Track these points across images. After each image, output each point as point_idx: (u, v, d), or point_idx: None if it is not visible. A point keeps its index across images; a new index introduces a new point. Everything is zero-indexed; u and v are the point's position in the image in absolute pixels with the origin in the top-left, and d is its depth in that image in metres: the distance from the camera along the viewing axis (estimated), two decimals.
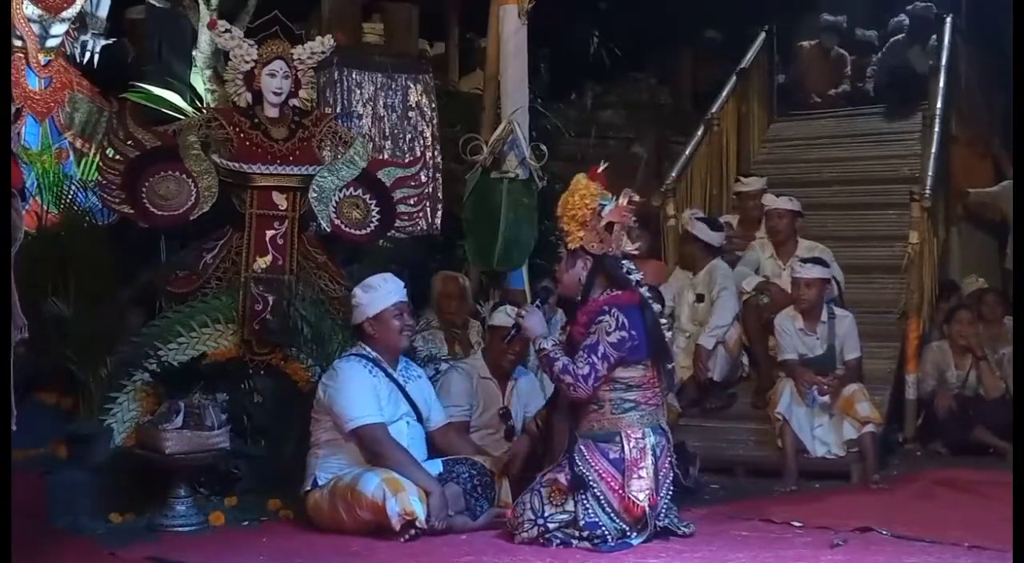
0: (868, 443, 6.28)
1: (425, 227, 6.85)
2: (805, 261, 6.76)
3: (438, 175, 7.03)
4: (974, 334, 7.31)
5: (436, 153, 7.05)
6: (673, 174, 8.42)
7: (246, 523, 5.05)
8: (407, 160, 6.56)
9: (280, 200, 5.76)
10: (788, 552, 4.46)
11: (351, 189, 5.86)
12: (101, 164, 5.75)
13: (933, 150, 8.26)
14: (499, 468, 5.06)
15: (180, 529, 4.89)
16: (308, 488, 4.95)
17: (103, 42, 6.87)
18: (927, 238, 7.69)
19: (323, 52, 5.92)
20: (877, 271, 7.98)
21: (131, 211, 5.59)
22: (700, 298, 7.16)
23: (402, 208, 6.05)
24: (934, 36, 9.61)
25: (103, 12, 6.85)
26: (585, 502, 4.54)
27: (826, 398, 6.38)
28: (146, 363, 5.31)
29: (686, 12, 10.71)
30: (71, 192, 6.07)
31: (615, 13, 10.24)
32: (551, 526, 4.54)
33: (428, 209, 6.81)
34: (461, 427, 5.53)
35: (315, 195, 5.73)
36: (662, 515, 4.66)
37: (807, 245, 7.26)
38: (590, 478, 4.55)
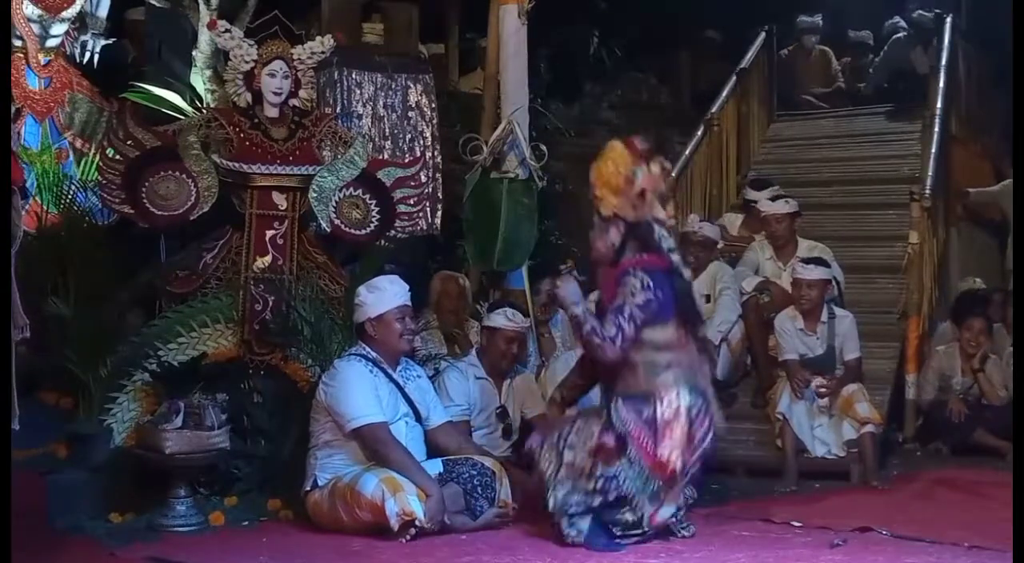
0: (868, 443, 6.28)
1: (425, 227, 6.85)
2: (807, 262, 6.74)
3: (438, 175, 7.04)
4: (983, 343, 7.29)
5: (436, 153, 7.05)
6: (673, 174, 8.40)
7: (246, 523, 5.05)
8: (407, 160, 6.56)
9: (280, 200, 5.76)
10: (788, 552, 4.46)
11: (351, 189, 5.86)
12: (101, 164, 5.75)
13: (933, 150, 8.26)
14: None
15: (180, 529, 4.88)
16: (308, 488, 4.95)
17: (103, 42, 6.86)
18: (927, 238, 7.69)
19: (323, 52, 5.92)
20: (877, 271, 7.98)
21: (131, 211, 5.59)
22: (707, 298, 7.15)
23: (402, 208, 6.05)
24: (934, 37, 9.62)
25: (103, 12, 6.84)
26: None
27: (824, 401, 6.38)
28: (146, 363, 5.31)
29: (686, 12, 10.72)
30: (71, 192, 6.06)
31: (615, 13, 10.25)
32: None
33: (428, 209, 6.81)
34: (462, 427, 5.54)
35: (315, 195, 5.73)
36: (689, 475, 4.68)
37: (807, 245, 7.25)
38: (620, 426, 4.58)
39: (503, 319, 5.82)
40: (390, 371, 5.04)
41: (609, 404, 4.69)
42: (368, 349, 5.05)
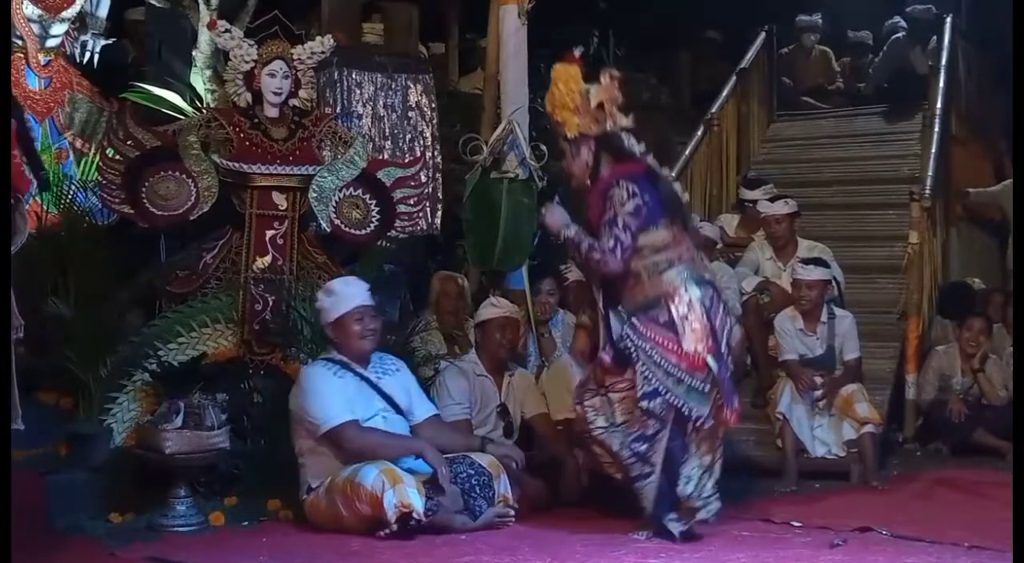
0: (867, 443, 6.28)
1: (425, 227, 6.85)
2: (807, 262, 6.74)
3: (438, 175, 7.03)
4: (983, 343, 7.29)
5: (436, 153, 7.04)
6: (673, 174, 8.39)
7: (246, 523, 5.04)
8: (407, 160, 6.55)
9: (280, 200, 5.76)
10: (788, 552, 4.46)
11: (351, 189, 5.86)
12: (101, 164, 5.75)
13: (933, 150, 8.27)
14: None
15: (180, 529, 4.88)
16: (304, 495, 4.96)
17: (103, 42, 6.86)
18: (927, 238, 7.70)
19: (323, 52, 5.92)
20: (877, 271, 7.99)
21: (131, 211, 5.59)
22: None
23: (402, 208, 6.05)
24: (934, 36, 9.61)
25: (103, 12, 6.84)
26: (647, 373, 4.62)
27: (822, 402, 6.38)
28: (146, 363, 5.31)
29: (686, 12, 10.72)
30: (71, 192, 6.06)
31: (615, 13, 10.25)
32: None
33: (428, 209, 6.81)
34: (463, 425, 5.53)
35: (315, 195, 5.73)
36: (727, 367, 4.77)
37: (807, 245, 7.25)
38: (646, 349, 4.62)
39: (490, 309, 5.84)
40: (359, 370, 5.02)
41: (607, 323, 4.78)
42: (334, 352, 5.05)
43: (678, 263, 4.73)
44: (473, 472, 4.96)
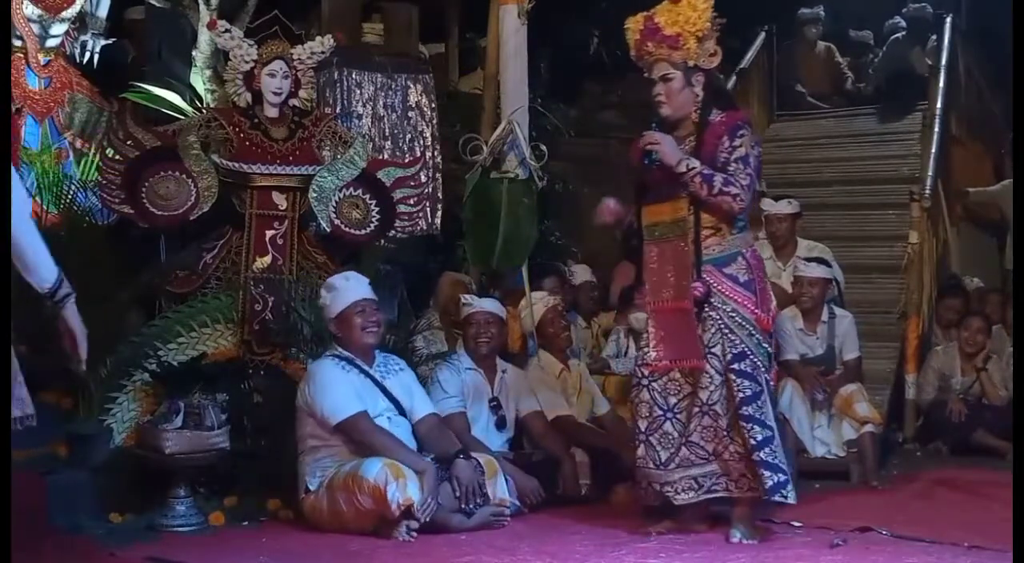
0: (867, 443, 6.28)
1: (425, 227, 6.85)
2: (809, 260, 6.75)
3: (438, 175, 7.03)
4: (983, 342, 7.29)
5: (436, 153, 7.05)
6: None
7: (246, 523, 5.05)
8: (407, 160, 6.55)
9: (280, 200, 5.76)
10: (788, 552, 4.46)
11: (351, 189, 5.86)
12: (101, 164, 5.75)
13: (933, 150, 8.28)
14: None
15: (180, 529, 4.88)
16: (302, 495, 4.96)
17: (103, 42, 6.86)
18: (927, 238, 7.71)
19: (323, 52, 5.92)
20: (877, 271, 8.00)
21: (131, 211, 5.59)
22: None
23: (402, 208, 6.05)
24: (933, 36, 9.61)
25: (103, 12, 6.83)
26: (730, 335, 4.53)
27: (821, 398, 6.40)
28: (146, 363, 5.31)
29: None
30: (71, 192, 6.06)
31: (615, 13, 10.24)
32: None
33: (428, 209, 6.81)
34: (460, 418, 5.53)
35: (315, 195, 5.73)
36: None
37: (807, 245, 7.25)
38: (727, 311, 4.53)
39: (463, 307, 5.85)
40: (365, 367, 5.05)
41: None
42: (340, 349, 5.07)
43: (747, 226, 4.69)
44: None
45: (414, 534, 4.65)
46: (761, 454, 4.52)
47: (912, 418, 7.32)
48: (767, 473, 4.51)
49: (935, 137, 8.39)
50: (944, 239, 8.52)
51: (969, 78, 9.66)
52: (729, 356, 4.55)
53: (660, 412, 4.66)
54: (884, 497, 5.86)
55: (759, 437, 4.53)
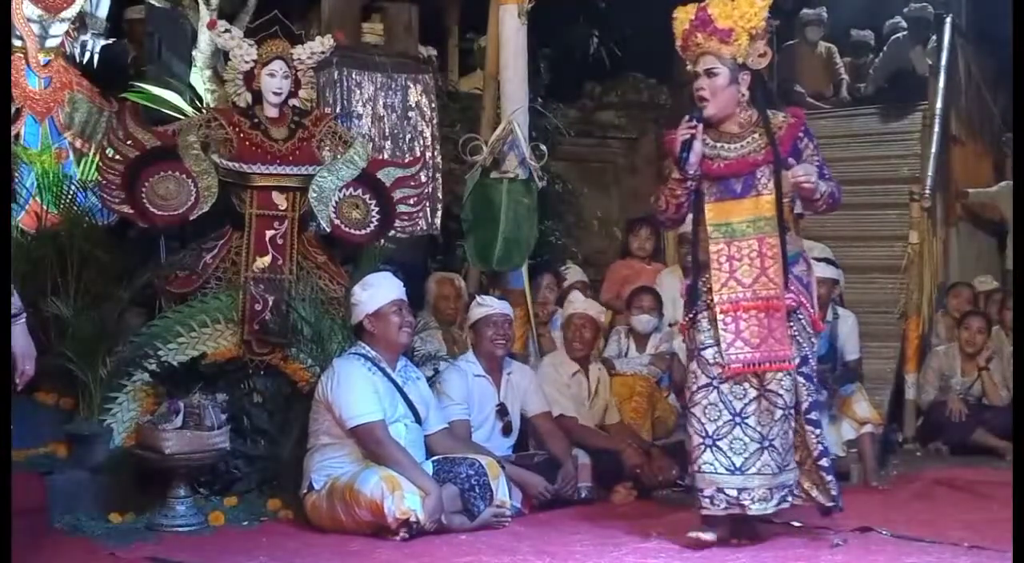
0: (867, 443, 6.28)
1: (425, 227, 6.85)
2: (817, 260, 6.74)
3: (438, 175, 7.03)
4: (983, 342, 7.29)
5: (436, 153, 7.05)
6: None
7: (246, 523, 5.05)
8: (407, 160, 6.55)
9: (280, 200, 5.76)
10: (788, 552, 4.46)
11: (351, 189, 5.85)
12: (101, 164, 5.74)
13: (933, 150, 8.28)
14: None
15: (180, 529, 4.88)
16: (304, 491, 4.97)
17: (103, 42, 6.85)
18: (927, 238, 7.71)
19: (323, 52, 5.92)
20: (877, 271, 8.00)
21: (131, 211, 5.59)
22: None
23: (402, 208, 6.04)
24: (933, 36, 9.61)
25: (103, 12, 6.83)
26: (798, 338, 4.43)
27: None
28: (146, 363, 5.31)
29: None
30: (71, 192, 6.05)
31: (615, 13, 10.24)
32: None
33: (428, 209, 6.81)
34: (463, 426, 5.53)
35: (315, 195, 5.72)
36: None
37: (807, 245, 7.24)
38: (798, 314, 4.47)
39: (478, 309, 5.84)
40: (389, 371, 5.05)
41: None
42: (367, 348, 5.07)
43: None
44: (473, 472, 4.97)
45: (405, 532, 4.64)
46: (824, 461, 4.50)
47: (912, 418, 7.32)
48: (831, 479, 4.50)
49: (935, 137, 8.40)
50: (944, 239, 8.52)
51: (969, 78, 9.66)
52: (797, 359, 4.44)
53: (729, 416, 4.42)
54: (884, 497, 5.86)
55: (823, 444, 4.51)
